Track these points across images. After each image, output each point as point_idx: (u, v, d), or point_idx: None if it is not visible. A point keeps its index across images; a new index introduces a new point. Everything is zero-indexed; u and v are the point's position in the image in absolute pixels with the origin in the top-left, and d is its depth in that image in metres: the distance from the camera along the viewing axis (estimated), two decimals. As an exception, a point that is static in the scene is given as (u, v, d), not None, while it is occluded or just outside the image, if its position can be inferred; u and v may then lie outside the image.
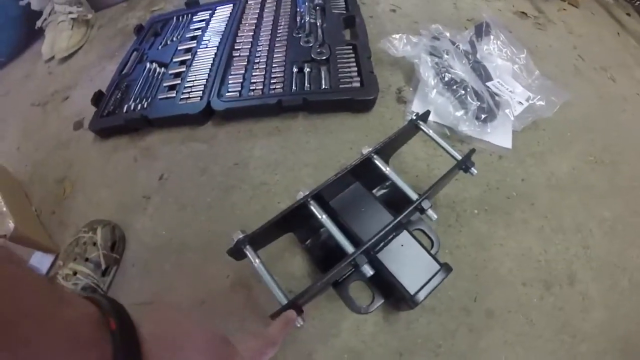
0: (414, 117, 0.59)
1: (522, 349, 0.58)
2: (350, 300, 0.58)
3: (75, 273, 0.61)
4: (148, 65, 0.84)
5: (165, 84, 0.80)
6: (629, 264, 0.68)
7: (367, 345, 0.57)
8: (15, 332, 0.20)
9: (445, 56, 0.74)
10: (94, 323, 0.24)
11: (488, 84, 0.76)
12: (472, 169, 0.56)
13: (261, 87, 0.73)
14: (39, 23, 1.05)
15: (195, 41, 0.86)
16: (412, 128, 0.59)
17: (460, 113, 0.69)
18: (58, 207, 0.76)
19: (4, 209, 0.68)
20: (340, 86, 0.70)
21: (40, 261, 0.69)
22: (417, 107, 0.72)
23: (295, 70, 0.74)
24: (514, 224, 0.66)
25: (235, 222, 0.66)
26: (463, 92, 0.70)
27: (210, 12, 0.92)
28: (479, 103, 0.70)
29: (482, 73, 0.77)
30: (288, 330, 0.43)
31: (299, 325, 0.45)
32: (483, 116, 0.70)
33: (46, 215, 0.76)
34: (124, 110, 0.79)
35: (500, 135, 0.72)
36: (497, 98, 0.75)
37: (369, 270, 0.48)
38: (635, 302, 0.65)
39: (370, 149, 0.55)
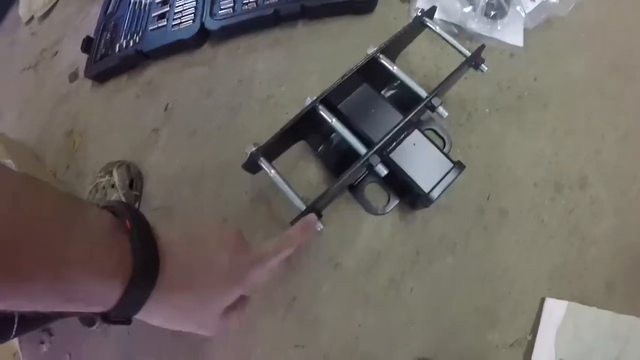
0: (419, 14, 0.55)
1: (535, 248, 0.59)
2: (367, 202, 0.59)
3: None
4: (132, -1, 0.79)
5: (153, 14, 0.76)
6: (639, 173, 0.67)
7: (386, 244, 0.58)
8: (43, 235, 0.21)
9: (451, -50, 0.67)
10: (111, 226, 0.25)
11: (498, -22, 0.70)
12: (483, 65, 0.54)
13: (255, -1, 0.68)
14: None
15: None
16: (418, 25, 0.56)
17: (468, 9, 0.64)
18: (72, 161, 0.76)
19: (19, 173, 0.68)
20: (339, -12, 0.65)
21: None
22: (422, 5, 0.68)
23: (290, -26, 0.68)
24: (526, 124, 0.65)
25: (247, 140, 0.63)
26: (471, -13, 0.65)
27: None
28: (487, -1, 0.65)
29: (490, -32, 0.71)
30: (308, 233, 0.43)
31: (319, 230, 0.45)
32: (492, 12, 0.66)
33: (62, 171, 0.77)
34: (117, 49, 0.76)
35: (511, 33, 0.68)
36: (507, -6, 0.69)
37: (383, 170, 0.47)
38: None
39: (376, 49, 0.53)
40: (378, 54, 0.52)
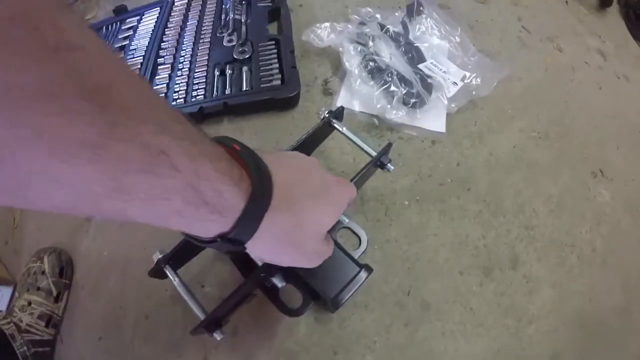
0: (327, 115, 0.54)
1: (462, 337, 0.57)
2: (282, 304, 0.56)
3: (30, 303, 0.61)
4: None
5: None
6: (577, 240, 0.65)
7: (302, 346, 0.55)
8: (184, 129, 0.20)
9: (370, 43, 0.68)
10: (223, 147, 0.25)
11: (420, 66, 0.71)
12: (389, 165, 0.53)
13: (184, 95, 0.68)
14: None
15: (123, 51, 0.80)
16: (326, 126, 0.55)
17: (384, 102, 0.64)
18: (10, 237, 0.75)
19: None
20: (262, 85, 0.66)
21: (0, 294, 0.68)
22: (343, 99, 0.67)
23: (217, 73, 0.69)
24: (449, 211, 0.63)
25: (172, 235, 0.63)
26: (388, 79, 0.65)
27: (138, 17, 0.86)
28: (406, 89, 0.65)
29: (413, 55, 0.72)
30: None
31: (218, 339, 0.44)
32: (412, 101, 0.66)
33: (0, 246, 0.75)
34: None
35: (432, 120, 0.67)
36: (429, 80, 0.69)
37: (280, 281, 0.45)
38: (587, 278, 0.62)
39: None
40: (283, 160, 0.51)
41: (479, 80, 0.71)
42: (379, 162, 0.52)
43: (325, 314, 0.56)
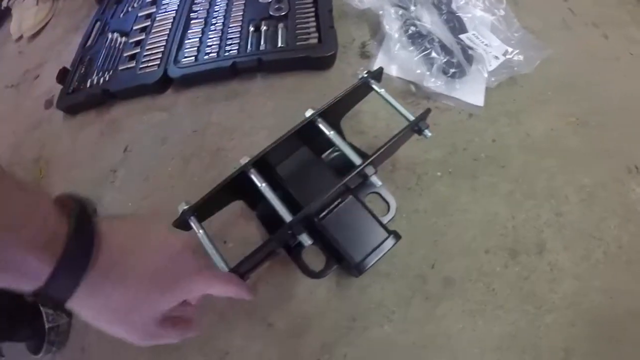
0: (365, 75, 0.51)
1: (481, 318, 0.54)
2: (304, 265, 0.54)
3: None
4: (110, 35, 0.78)
5: (126, 54, 0.74)
6: (605, 234, 0.60)
7: (321, 310, 0.54)
8: None
9: (412, 7, 0.63)
10: (50, 203, 0.24)
11: (461, 36, 0.66)
12: (426, 131, 0.49)
13: (217, 49, 0.66)
14: (5, 2, 0.98)
15: (155, 5, 0.77)
16: (363, 87, 0.52)
17: (424, 69, 0.60)
18: (37, 188, 0.74)
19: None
20: (297, 43, 0.62)
21: None
22: (381, 62, 0.64)
23: (251, 29, 0.66)
24: (481, 187, 0.59)
25: (194, 191, 0.61)
26: (429, 45, 0.61)
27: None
28: (447, 58, 0.61)
29: (455, 25, 0.67)
30: (232, 291, 0.37)
31: (247, 299, 0.41)
32: (452, 71, 0.61)
33: None
34: (88, 85, 0.74)
35: (471, 92, 0.63)
36: (470, 52, 0.65)
37: (307, 240, 0.43)
38: (609, 275, 0.58)
39: (314, 112, 0.48)
40: (316, 117, 0.48)
41: (521, 57, 0.66)
42: (416, 127, 0.49)
43: (346, 279, 0.54)
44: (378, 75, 0.52)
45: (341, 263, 0.54)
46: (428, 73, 0.59)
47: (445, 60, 0.61)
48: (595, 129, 0.68)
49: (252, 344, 0.53)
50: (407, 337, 0.53)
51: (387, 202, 0.56)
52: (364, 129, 0.59)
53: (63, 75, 0.77)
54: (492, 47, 0.67)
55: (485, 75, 0.64)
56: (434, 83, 0.60)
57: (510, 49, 0.67)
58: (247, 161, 0.47)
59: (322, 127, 0.48)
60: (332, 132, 0.48)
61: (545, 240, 0.59)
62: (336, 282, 0.54)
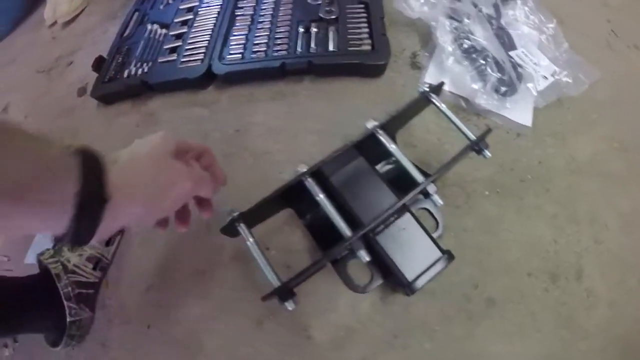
0: (427, 89, 0.49)
1: (519, 341, 0.53)
2: (348, 278, 0.53)
3: None
4: (149, 26, 0.75)
5: (166, 47, 0.71)
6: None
7: (363, 324, 0.52)
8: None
9: (466, 20, 0.62)
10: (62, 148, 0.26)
11: (511, 53, 0.65)
12: (486, 151, 0.48)
13: (264, 48, 0.63)
14: (40, -12, 0.95)
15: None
16: (423, 100, 0.50)
17: (478, 85, 0.58)
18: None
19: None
20: (349, 49, 0.60)
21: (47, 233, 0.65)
22: (432, 75, 0.62)
23: (301, 30, 0.64)
24: (526, 209, 0.58)
25: (236, 192, 0.60)
26: (483, 62, 0.59)
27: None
28: (499, 75, 0.60)
29: (505, 41, 0.65)
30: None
31: (290, 309, 0.41)
32: (503, 89, 0.60)
33: None
34: (125, 75, 0.71)
35: (520, 111, 0.62)
36: (519, 70, 0.63)
37: (365, 257, 0.42)
38: None
39: (376, 124, 0.47)
40: (377, 129, 0.47)
41: (569, 79, 0.65)
42: (476, 147, 0.48)
43: (391, 295, 0.53)
44: (438, 89, 0.50)
45: (387, 279, 0.52)
46: (481, 90, 0.58)
47: (498, 77, 0.59)
48: (635, 155, 0.67)
49: (289, 354, 0.52)
50: (446, 356, 0.52)
51: (435, 220, 0.54)
52: (415, 142, 0.58)
53: (99, 64, 0.74)
54: (540, 66, 0.66)
55: (535, 94, 0.62)
56: (487, 100, 0.59)
57: (558, 70, 0.66)
58: (304, 170, 0.45)
59: (383, 139, 0.46)
60: (393, 146, 0.46)
61: (583, 266, 0.58)
62: (380, 297, 0.53)
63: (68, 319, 0.55)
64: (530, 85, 0.63)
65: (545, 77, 0.65)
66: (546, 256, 0.57)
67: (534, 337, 0.54)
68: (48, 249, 0.58)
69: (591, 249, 0.59)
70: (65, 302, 0.54)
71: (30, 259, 0.63)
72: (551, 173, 0.61)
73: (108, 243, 0.61)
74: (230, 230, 0.46)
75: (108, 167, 0.28)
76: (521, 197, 0.58)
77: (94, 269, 0.59)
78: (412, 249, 0.46)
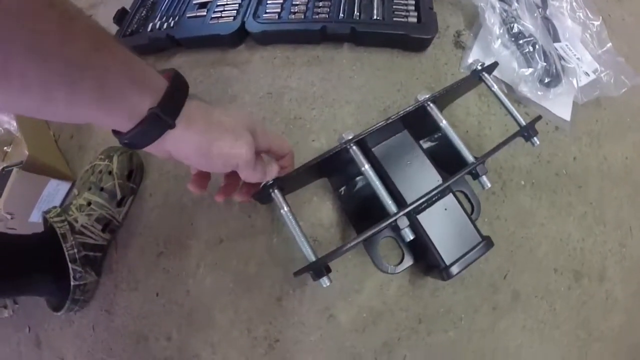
0: (480, 67, 0.46)
1: (539, 337, 0.52)
2: (378, 258, 0.50)
3: (89, 203, 0.53)
4: (177, -21, 0.69)
5: (195, 2, 0.66)
6: None
7: (388, 306, 0.50)
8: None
9: (515, 4, 0.59)
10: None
11: (556, 44, 0.62)
12: (535, 138, 0.45)
13: (304, 9, 0.59)
14: None
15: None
16: (475, 79, 0.47)
17: (525, 71, 0.55)
18: (77, 131, 0.67)
19: (19, 135, 0.59)
20: (394, 19, 0.56)
21: (56, 189, 0.61)
22: (476, 56, 0.59)
23: (344, -6, 0.59)
24: (559, 204, 0.56)
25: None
26: (531, 48, 0.57)
27: None
28: (545, 64, 0.57)
29: (550, 31, 0.62)
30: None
31: (324, 286, 0.38)
32: (547, 79, 0.57)
33: (65, 139, 0.67)
34: (149, 29, 0.65)
35: (560, 105, 0.59)
36: (563, 62, 0.61)
37: (409, 235, 0.39)
38: None
39: (427, 96, 0.43)
40: (429, 103, 0.43)
41: (611, 79, 0.62)
42: (526, 133, 0.45)
43: (420, 278, 0.50)
44: (491, 69, 0.47)
45: (418, 261, 0.50)
46: (525, 77, 0.55)
47: (544, 66, 0.56)
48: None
49: (309, 334, 0.49)
50: (468, 346, 0.50)
51: (472, 204, 0.52)
52: (456, 123, 0.55)
53: (121, 16, 0.68)
54: (583, 62, 0.63)
55: (576, 88, 0.60)
56: (530, 88, 0.56)
57: (600, 68, 0.64)
58: (350, 137, 0.41)
59: (434, 114, 0.43)
60: (444, 122, 0.43)
61: (606, 268, 0.57)
62: (409, 280, 0.50)
63: (72, 283, 0.51)
64: (573, 79, 0.60)
65: (587, 74, 0.63)
66: (572, 254, 0.56)
67: (553, 335, 0.53)
68: (55, 207, 0.53)
69: (615, 252, 0.58)
70: (70, 265, 0.50)
71: (35, 217, 0.58)
72: (584, 171, 0.59)
73: (120, 204, 0.56)
74: (262, 196, 0.42)
75: (188, 102, 0.29)
76: (555, 192, 0.56)
77: (103, 230, 0.55)
78: (452, 231, 0.43)
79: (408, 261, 0.49)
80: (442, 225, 0.44)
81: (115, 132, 0.28)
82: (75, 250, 0.50)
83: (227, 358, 0.50)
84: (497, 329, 0.51)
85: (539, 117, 0.46)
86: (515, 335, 0.52)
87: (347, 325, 0.49)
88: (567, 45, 0.64)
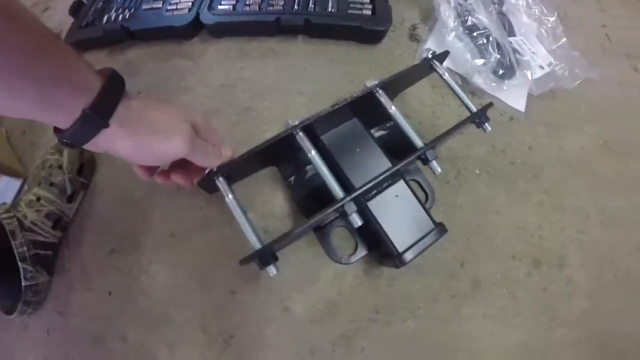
0: (430, 56, 0.46)
1: (501, 324, 0.52)
2: (332, 248, 0.49)
3: (39, 199, 0.51)
4: (134, -30, 0.67)
5: (151, -6, 0.64)
6: (618, 258, 0.60)
7: (344, 297, 0.49)
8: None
9: (470, -1, 0.60)
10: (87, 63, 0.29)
11: (511, 38, 0.63)
12: (487, 124, 0.46)
13: (259, 1, 0.58)
14: None
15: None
16: (426, 68, 0.47)
17: (478, 62, 0.56)
18: (29, 128, 0.64)
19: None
20: (349, 11, 0.56)
21: (7, 187, 0.58)
22: (432, 47, 0.59)
23: (300, -13, 0.59)
24: (515, 192, 0.57)
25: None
26: (485, 40, 0.57)
27: None
28: (499, 56, 0.58)
29: (505, 26, 0.64)
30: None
31: (272, 275, 0.37)
32: (501, 71, 0.58)
33: (17, 136, 0.64)
34: (104, 21, 0.64)
35: (515, 96, 0.60)
36: (517, 56, 0.62)
37: (357, 221, 0.38)
38: (616, 299, 0.58)
39: (376, 82, 0.43)
40: (377, 89, 0.43)
41: (565, 72, 0.64)
42: (478, 120, 0.45)
43: (376, 268, 0.49)
44: (442, 57, 0.48)
45: (372, 250, 0.49)
46: (483, 68, 0.56)
47: (497, 58, 0.57)
48: (621, 155, 0.67)
49: (265, 327, 0.47)
50: (428, 335, 0.49)
51: (425, 192, 0.52)
52: (409, 113, 0.55)
53: (77, 8, 0.66)
54: (538, 55, 0.65)
55: (530, 80, 0.61)
56: (484, 80, 0.57)
57: (554, 61, 0.65)
58: (296, 123, 0.40)
59: (383, 100, 0.43)
60: (393, 108, 0.43)
61: (566, 255, 0.58)
62: (364, 270, 0.49)
63: (23, 283, 0.48)
64: (527, 72, 0.61)
65: (542, 67, 0.64)
66: (530, 241, 0.56)
67: (515, 322, 0.53)
68: (4, 203, 0.50)
69: (574, 239, 0.59)
70: (20, 264, 0.47)
71: (-18, 212, 0.55)
72: (540, 161, 0.60)
73: (70, 199, 0.54)
74: (207, 184, 0.41)
75: (125, 101, 0.30)
76: (510, 180, 0.57)
77: (54, 227, 0.52)
78: (404, 218, 0.43)
79: (362, 251, 0.48)
80: (394, 212, 0.43)
81: (56, 131, 0.29)
82: (25, 248, 0.47)
83: (185, 357, 0.48)
84: (458, 317, 0.51)
85: (491, 104, 0.47)
86: (476, 322, 0.51)
87: (303, 317, 0.48)
88: (522, 39, 0.65)
